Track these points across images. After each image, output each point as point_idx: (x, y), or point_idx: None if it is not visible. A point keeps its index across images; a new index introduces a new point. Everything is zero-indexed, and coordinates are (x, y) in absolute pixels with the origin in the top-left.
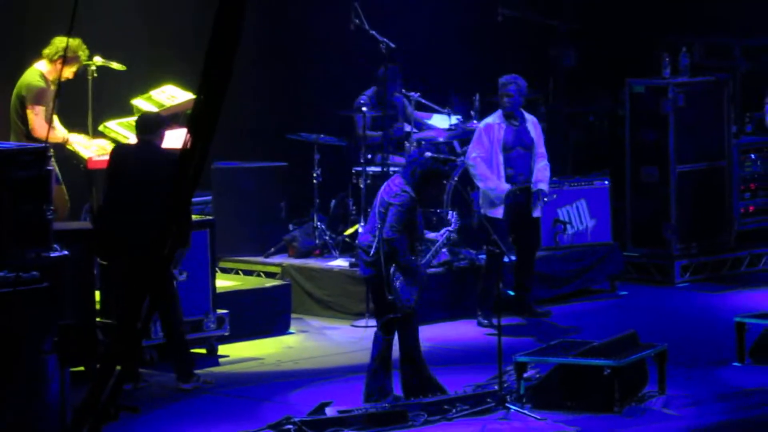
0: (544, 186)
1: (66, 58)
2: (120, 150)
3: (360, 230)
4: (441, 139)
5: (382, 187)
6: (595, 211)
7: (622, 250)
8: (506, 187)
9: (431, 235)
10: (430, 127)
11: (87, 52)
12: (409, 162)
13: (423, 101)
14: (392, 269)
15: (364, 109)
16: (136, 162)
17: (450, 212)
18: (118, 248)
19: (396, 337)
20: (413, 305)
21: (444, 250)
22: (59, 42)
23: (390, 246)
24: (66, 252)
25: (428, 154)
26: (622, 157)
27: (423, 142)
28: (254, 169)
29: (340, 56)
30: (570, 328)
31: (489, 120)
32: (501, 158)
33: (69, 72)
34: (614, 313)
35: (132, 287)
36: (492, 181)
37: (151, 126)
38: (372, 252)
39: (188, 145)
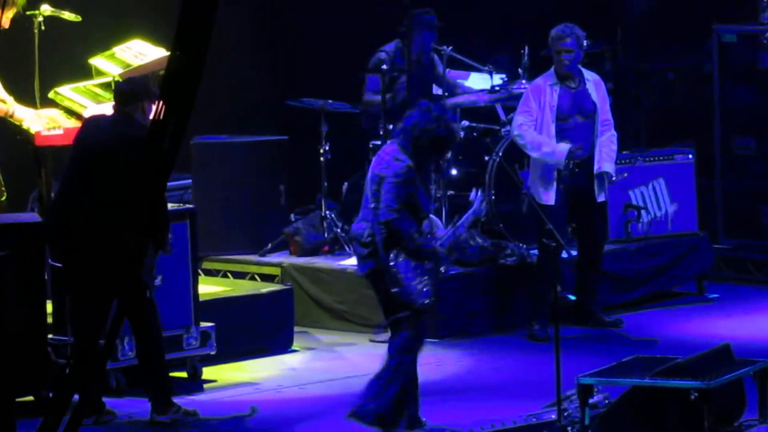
0: (609, 165)
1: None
2: (90, 124)
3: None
4: (481, 103)
5: (374, 160)
6: (676, 193)
7: (711, 242)
8: (565, 147)
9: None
10: (466, 89)
11: None
12: (405, 125)
13: (457, 56)
14: (393, 255)
15: (384, 67)
16: (107, 139)
17: (474, 191)
18: (77, 247)
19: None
20: (428, 301)
21: (485, 243)
22: None
23: (390, 229)
24: (7, 252)
25: (430, 109)
26: (709, 124)
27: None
28: (245, 145)
29: (353, 3)
30: (646, 341)
31: (539, 81)
32: (553, 129)
33: (4, 19)
34: (702, 321)
35: (94, 296)
36: (547, 145)
37: (129, 95)
38: (365, 239)
39: (161, 115)
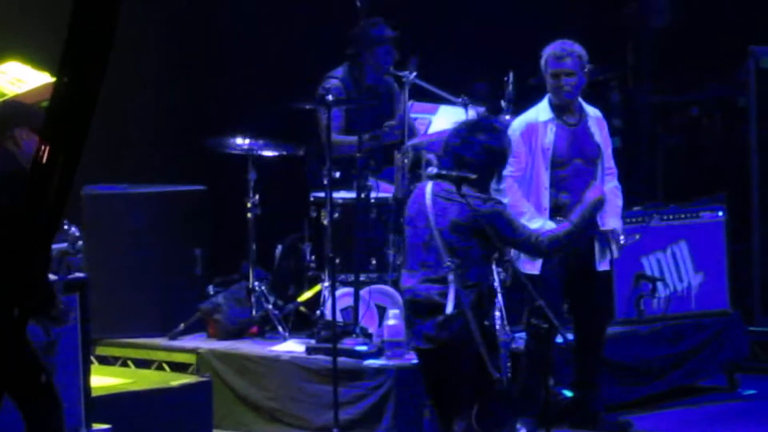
0: (615, 222)
1: None
2: None
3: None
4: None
5: (432, 205)
6: (702, 261)
7: (746, 323)
8: (557, 230)
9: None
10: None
11: None
12: (455, 151)
13: (422, 85)
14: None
15: (329, 98)
16: None
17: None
18: None
19: None
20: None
21: None
22: None
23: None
24: None
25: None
26: (744, 173)
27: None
28: (151, 197)
29: (291, 19)
30: None
31: (530, 116)
32: (547, 178)
33: None
34: (734, 424)
35: None
36: (532, 218)
37: None
38: (452, 305)
39: (44, 158)
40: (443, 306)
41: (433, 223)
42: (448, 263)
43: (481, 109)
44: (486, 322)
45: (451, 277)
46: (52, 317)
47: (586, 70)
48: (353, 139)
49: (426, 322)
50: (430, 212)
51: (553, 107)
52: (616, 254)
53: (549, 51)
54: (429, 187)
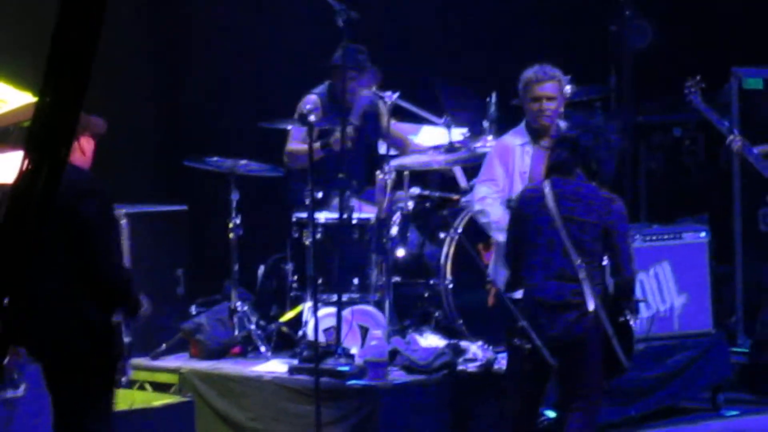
0: None
1: None
2: None
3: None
4: (436, 166)
5: (546, 207)
6: (685, 282)
7: (729, 344)
8: None
9: None
10: (417, 147)
11: None
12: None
13: (405, 105)
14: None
15: (311, 118)
16: None
17: None
18: None
19: None
20: None
21: (440, 343)
22: None
23: (629, 287)
24: None
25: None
26: (727, 193)
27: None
28: (132, 217)
29: (273, 38)
30: None
31: (507, 139)
32: None
33: None
34: None
35: None
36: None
37: None
38: (593, 303)
39: (27, 176)
40: (575, 304)
41: (559, 222)
42: (579, 262)
43: (464, 130)
44: (621, 318)
45: (582, 275)
46: (137, 317)
47: (566, 93)
48: (305, 148)
49: (556, 319)
50: (554, 212)
51: (530, 131)
52: None
53: (528, 74)
54: (547, 187)
